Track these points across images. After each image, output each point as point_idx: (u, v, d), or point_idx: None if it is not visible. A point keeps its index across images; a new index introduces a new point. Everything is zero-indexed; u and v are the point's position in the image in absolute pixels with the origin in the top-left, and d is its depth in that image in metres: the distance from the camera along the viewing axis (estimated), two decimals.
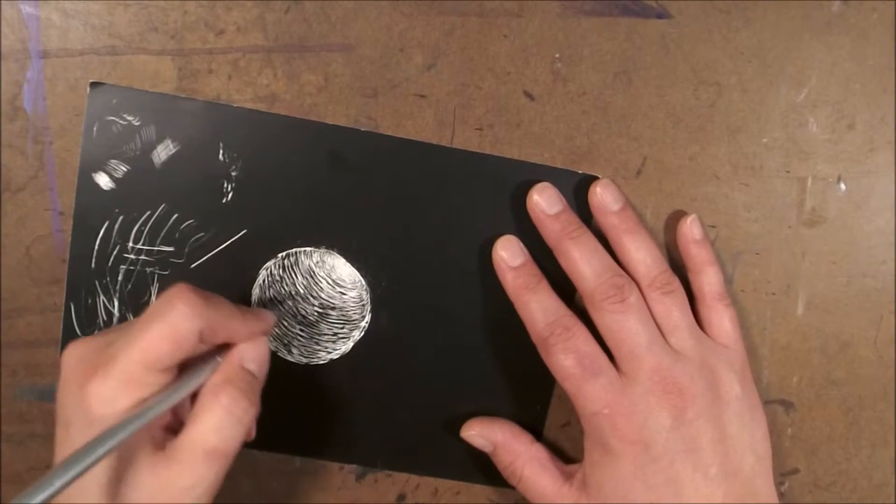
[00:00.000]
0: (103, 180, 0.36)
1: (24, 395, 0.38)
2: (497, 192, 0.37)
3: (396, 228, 0.37)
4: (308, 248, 0.37)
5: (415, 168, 0.37)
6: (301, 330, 0.37)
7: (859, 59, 0.37)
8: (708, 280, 0.36)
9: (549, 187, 0.36)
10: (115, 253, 0.36)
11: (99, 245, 0.36)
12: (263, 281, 0.37)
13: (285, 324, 0.37)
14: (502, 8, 0.36)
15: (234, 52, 0.36)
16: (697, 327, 0.36)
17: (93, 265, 0.36)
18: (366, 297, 0.37)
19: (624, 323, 0.34)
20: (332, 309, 0.37)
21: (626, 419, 0.33)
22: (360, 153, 0.36)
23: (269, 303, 0.37)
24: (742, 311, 0.39)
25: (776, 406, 0.40)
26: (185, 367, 0.30)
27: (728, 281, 0.38)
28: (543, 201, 0.36)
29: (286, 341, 0.38)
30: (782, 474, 0.40)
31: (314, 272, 0.37)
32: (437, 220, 0.37)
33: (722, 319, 0.36)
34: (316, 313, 0.37)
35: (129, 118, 0.35)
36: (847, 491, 0.40)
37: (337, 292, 0.37)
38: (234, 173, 0.36)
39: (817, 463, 0.40)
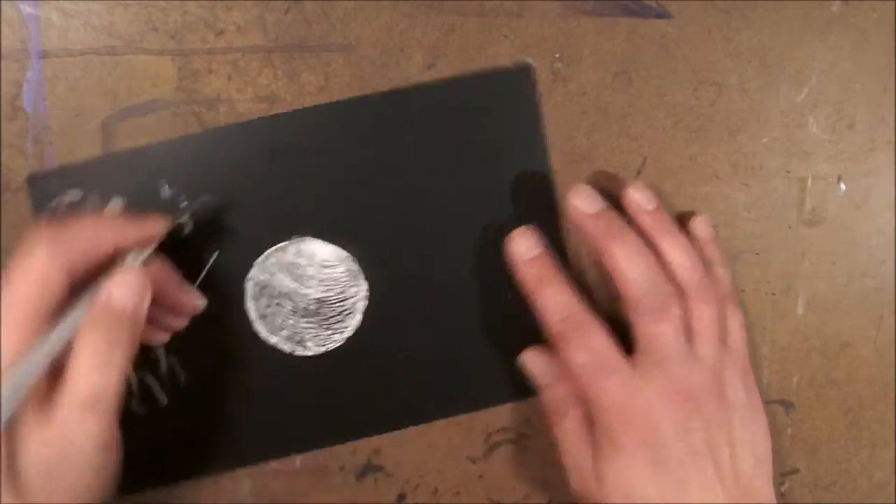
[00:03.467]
0: None
1: None
2: (436, 123, 0.36)
3: (357, 195, 0.37)
4: (280, 244, 0.37)
5: (349, 129, 0.36)
6: (307, 323, 0.37)
7: (859, 59, 0.37)
8: (718, 280, 0.36)
9: (585, 188, 0.35)
10: None
11: None
12: (253, 292, 0.37)
13: (291, 322, 0.37)
14: (502, 8, 0.36)
15: (234, 52, 0.36)
16: (719, 336, 0.35)
17: None
18: (355, 266, 0.37)
19: (663, 333, 0.33)
20: (328, 291, 0.37)
21: (638, 419, 0.33)
22: (295, 135, 0.36)
23: (266, 310, 0.37)
24: (742, 311, 0.39)
25: (776, 406, 0.40)
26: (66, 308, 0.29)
27: None
28: (581, 203, 0.35)
29: (298, 339, 0.38)
30: (782, 474, 0.40)
31: (296, 263, 0.37)
32: (390, 173, 0.37)
33: (733, 322, 0.36)
34: (315, 301, 0.37)
35: (72, 192, 0.35)
36: (847, 491, 0.40)
37: (326, 274, 0.37)
38: (183, 204, 0.36)
39: (817, 463, 0.40)
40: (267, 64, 0.36)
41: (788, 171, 0.38)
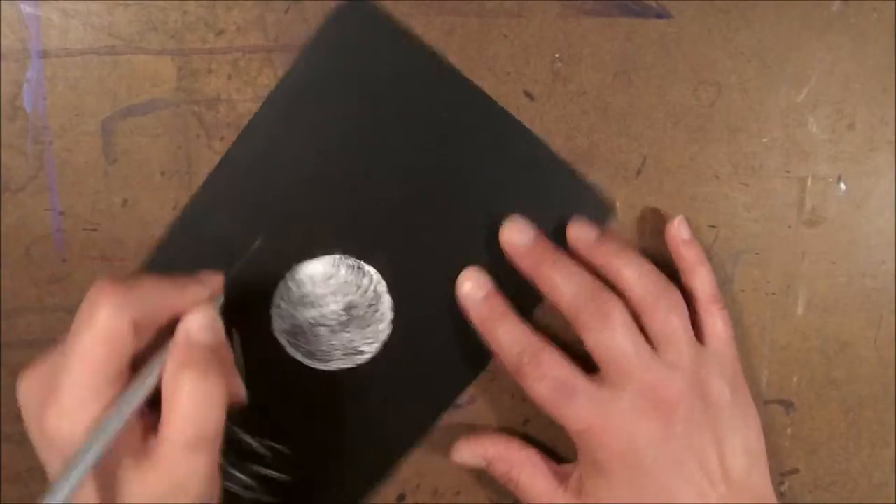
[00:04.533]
0: None
1: None
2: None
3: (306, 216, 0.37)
4: (279, 288, 0.37)
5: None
6: (349, 332, 0.37)
7: (859, 59, 0.37)
8: (700, 280, 0.36)
9: (517, 219, 0.36)
10: None
11: None
12: (289, 341, 0.37)
13: (335, 342, 0.37)
14: (502, 8, 0.36)
15: (234, 52, 0.36)
16: (694, 338, 0.35)
17: None
18: (351, 261, 0.37)
19: (612, 340, 0.33)
20: (347, 295, 0.37)
21: (613, 434, 0.33)
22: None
23: (309, 346, 0.37)
24: (742, 311, 0.39)
25: (776, 406, 0.40)
26: (139, 363, 0.29)
27: (728, 281, 0.38)
28: (514, 236, 0.36)
29: (352, 350, 0.38)
30: (782, 474, 0.40)
31: (304, 293, 0.37)
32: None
33: (716, 323, 0.36)
34: (343, 311, 0.37)
35: None
36: (847, 491, 0.40)
37: (334, 284, 0.37)
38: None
39: (817, 463, 0.40)
40: (267, 64, 0.36)
41: (788, 171, 0.38)
